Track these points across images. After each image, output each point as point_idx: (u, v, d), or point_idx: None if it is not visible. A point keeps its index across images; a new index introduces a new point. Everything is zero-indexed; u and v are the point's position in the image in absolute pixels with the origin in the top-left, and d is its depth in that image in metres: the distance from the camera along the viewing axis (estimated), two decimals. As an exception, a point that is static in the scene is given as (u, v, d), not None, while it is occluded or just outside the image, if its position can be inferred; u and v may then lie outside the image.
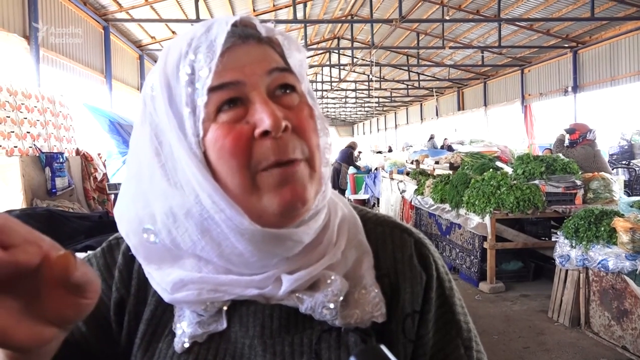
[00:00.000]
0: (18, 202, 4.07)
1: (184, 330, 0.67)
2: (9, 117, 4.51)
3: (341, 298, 0.65)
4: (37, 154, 4.54)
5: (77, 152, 5.52)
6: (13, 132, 4.54)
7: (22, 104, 4.73)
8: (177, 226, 0.63)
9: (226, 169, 0.61)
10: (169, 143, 0.63)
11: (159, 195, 0.64)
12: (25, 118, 4.75)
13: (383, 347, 0.51)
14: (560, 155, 6.09)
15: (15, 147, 4.53)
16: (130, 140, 0.70)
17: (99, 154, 5.93)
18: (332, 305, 0.64)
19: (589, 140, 6.80)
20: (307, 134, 0.64)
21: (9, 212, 3.11)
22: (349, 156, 13.22)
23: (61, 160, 4.68)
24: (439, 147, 13.80)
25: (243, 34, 0.63)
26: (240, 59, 0.62)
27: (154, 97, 0.65)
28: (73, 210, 4.17)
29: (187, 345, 0.66)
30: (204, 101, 0.61)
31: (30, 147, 4.70)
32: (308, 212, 0.65)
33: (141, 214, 0.65)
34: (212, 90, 0.60)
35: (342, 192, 12.87)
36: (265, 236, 0.61)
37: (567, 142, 7.09)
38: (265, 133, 0.60)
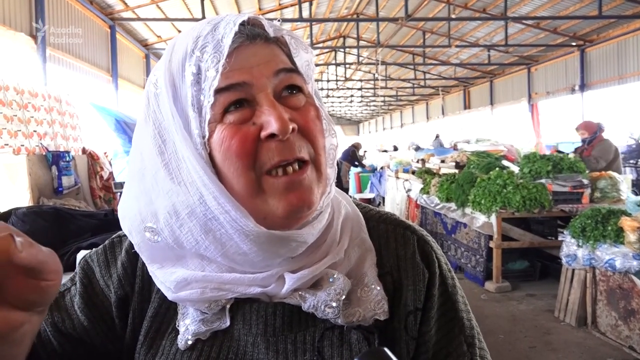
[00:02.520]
0: (25, 200, 4.08)
1: (188, 327, 0.67)
2: (15, 115, 4.53)
3: (343, 297, 0.65)
4: (44, 153, 4.55)
5: (84, 151, 5.54)
6: (20, 130, 4.56)
7: (28, 102, 4.74)
8: (180, 225, 0.63)
9: (232, 170, 0.60)
10: (173, 142, 0.63)
11: (162, 194, 0.63)
12: (32, 117, 4.77)
13: (386, 350, 0.50)
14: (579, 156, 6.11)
15: (22, 145, 4.55)
16: (133, 137, 0.70)
17: (105, 153, 5.94)
18: (334, 304, 0.64)
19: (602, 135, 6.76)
20: (312, 135, 0.64)
21: (16, 210, 3.12)
22: (351, 155, 13.25)
23: (67, 159, 4.69)
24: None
25: (250, 33, 0.63)
26: (247, 60, 0.61)
27: (157, 94, 0.64)
28: (79, 208, 4.18)
29: (190, 342, 0.67)
30: (211, 102, 0.60)
31: (37, 145, 4.71)
32: (312, 213, 0.65)
33: (144, 212, 0.65)
34: (218, 91, 0.60)
35: (345, 190, 12.85)
36: (270, 237, 0.61)
37: (580, 141, 7.02)
38: (272, 136, 0.60)
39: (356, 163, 13.64)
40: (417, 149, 11.98)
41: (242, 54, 0.61)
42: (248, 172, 0.60)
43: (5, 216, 3.05)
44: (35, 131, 4.77)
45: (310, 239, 0.65)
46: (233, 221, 0.60)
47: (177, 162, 0.63)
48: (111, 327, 0.73)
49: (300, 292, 0.65)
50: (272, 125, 0.59)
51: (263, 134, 0.60)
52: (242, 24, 0.62)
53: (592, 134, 6.74)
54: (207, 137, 0.61)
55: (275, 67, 0.63)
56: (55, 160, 4.51)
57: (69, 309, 0.74)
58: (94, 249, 0.81)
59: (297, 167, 0.62)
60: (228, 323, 0.67)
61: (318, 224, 0.66)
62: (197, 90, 0.61)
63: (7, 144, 4.36)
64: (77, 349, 0.72)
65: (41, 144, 4.76)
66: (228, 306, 0.67)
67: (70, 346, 0.72)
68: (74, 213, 3.30)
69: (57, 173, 4.50)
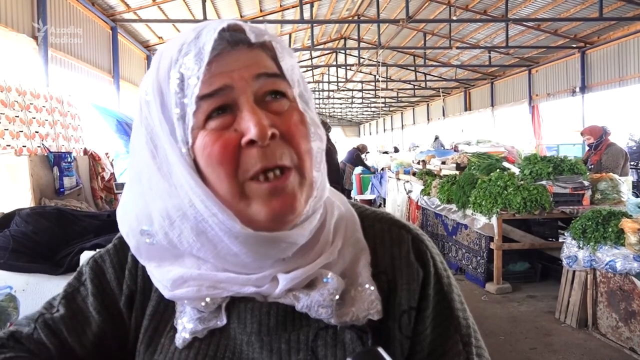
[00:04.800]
0: (26, 201, 4.08)
1: (185, 326, 0.68)
2: (17, 116, 4.53)
3: (337, 297, 0.65)
4: (46, 154, 4.55)
5: (85, 152, 5.54)
6: (22, 131, 4.57)
7: (30, 103, 4.75)
8: (172, 228, 0.64)
9: (215, 176, 0.61)
10: (163, 147, 0.64)
11: (156, 198, 0.65)
12: (34, 118, 4.77)
13: (380, 350, 0.51)
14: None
15: (23, 146, 4.56)
16: (130, 143, 0.72)
17: (106, 154, 5.95)
18: (328, 304, 0.65)
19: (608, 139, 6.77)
20: (295, 140, 0.64)
21: (19, 210, 3.13)
22: (355, 157, 13.21)
23: (69, 159, 4.69)
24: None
25: (232, 39, 0.63)
26: (228, 65, 0.62)
27: (148, 101, 0.66)
28: (81, 209, 4.18)
29: (187, 340, 0.68)
30: (193, 110, 0.61)
31: (38, 146, 4.72)
32: (300, 217, 0.65)
33: (140, 215, 0.67)
34: (201, 98, 0.61)
35: (348, 192, 12.85)
36: (258, 239, 0.62)
37: (586, 145, 7.03)
38: (252, 142, 0.60)
39: (362, 166, 13.58)
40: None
41: (224, 60, 0.62)
42: (231, 178, 0.61)
43: (9, 217, 3.06)
44: (37, 132, 4.78)
45: (301, 240, 0.65)
46: (221, 223, 0.61)
47: (168, 166, 0.64)
48: (126, 327, 0.75)
49: (294, 292, 0.66)
50: (251, 131, 0.60)
51: (243, 140, 0.61)
52: (225, 30, 0.63)
53: (598, 138, 6.72)
54: (190, 143, 0.62)
55: (257, 70, 0.63)
56: (56, 161, 4.52)
57: (84, 311, 0.75)
58: (100, 249, 0.82)
59: (278, 173, 0.62)
60: (225, 321, 0.68)
61: (308, 225, 0.66)
62: (181, 98, 0.62)
63: (9, 145, 4.37)
64: (93, 350, 0.73)
65: (43, 145, 4.76)
66: (224, 305, 0.68)
67: (93, 347, 0.73)
68: (77, 214, 3.30)
69: (58, 174, 4.50)
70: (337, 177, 8.02)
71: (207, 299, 0.67)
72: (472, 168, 6.60)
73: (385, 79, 20.04)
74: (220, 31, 0.62)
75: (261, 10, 12.46)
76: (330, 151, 7.19)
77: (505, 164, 6.46)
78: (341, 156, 12.74)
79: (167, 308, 0.72)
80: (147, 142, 0.66)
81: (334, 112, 35.37)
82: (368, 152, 15.90)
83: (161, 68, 0.64)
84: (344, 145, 19.57)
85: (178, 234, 0.64)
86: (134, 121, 0.69)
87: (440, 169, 7.76)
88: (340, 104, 29.47)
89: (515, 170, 6.09)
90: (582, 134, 7.07)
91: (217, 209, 0.61)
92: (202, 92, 0.61)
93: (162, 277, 0.68)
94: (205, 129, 0.62)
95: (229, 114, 0.62)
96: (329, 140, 7.18)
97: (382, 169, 12.15)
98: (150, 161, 0.65)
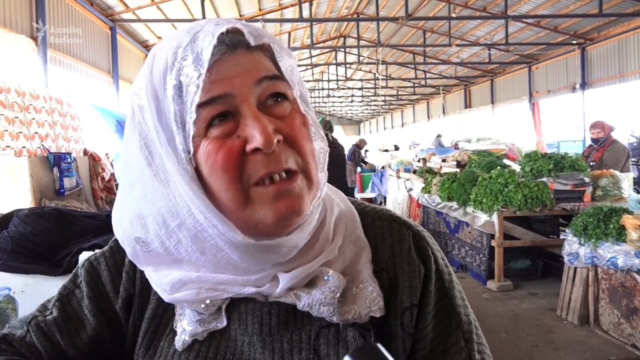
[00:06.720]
0: (27, 202, 4.08)
1: (185, 328, 0.67)
2: (17, 117, 4.53)
3: (338, 295, 0.65)
4: (45, 154, 4.55)
5: (85, 152, 5.54)
6: (21, 132, 4.56)
7: (30, 104, 4.74)
8: (169, 236, 0.63)
9: (219, 184, 0.60)
10: (159, 154, 0.63)
11: (151, 205, 0.64)
12: (34, 118, 4.77)
13: (379, 346, 0.50)
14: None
15: (23, 147, 4.55)
16: (122, 148, 0.70)
17: (106, 154, 5.94)
18: (329, 302, 0.64)
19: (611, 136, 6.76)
20: (299, 143, 0.63)
21: (18, 211, 3.12)
22: (352, 153, 13.25)
23: (69, 160, 4.68)
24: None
25: (231, 42, 0.61)
26: (228, 70, 0.60)
27: (141, 106, 0.64)
28: (81, 210, 4.18)
29: (187, 343, 0.67)
30: (193, 118, 0.59)
31: (38, 147, 4.71)
32: (302, 219, 0.65)
33: (134, 222, 0.66)
34: (201, 106, 0.59)
35: (352, 190, 12.86)
36: (260, 247, 0.62)
37: (589, 140, 7.01)
38: (257, 149, 0.59)
39: (361, 162, 13.60)
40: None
41: (223, 65, 0.60)
42: (235, 185, 0.60)
43: (8, 218, 3.05)
44: (36, 133, 4.77)
45: (301, 242, 0.65)
46: (221, 234, 0.60)
47: (165, 174, 0.63)
48: (120, 329, 0.74)
49: (295, 291, 0.65)
50: (256, 139, 0.59)
51: (248, 147, 0.59)
52: (224, 34, 0.61)
53: (607, 133, 6.71)
54: (192, 152, 0.61)
55: (258, 75, 0.62)
56: (56, 161, 4.51)
57: (79, 314, 0.75)
58: (97, 250, 0.81)
59: (284, 175, 0.61)
60: (225, 323, 0.67)
61: (308, 226, 0.66)
62: (180, 105, 0.60)
63: (9, 146, 4.36)
64: (90, 352, 0.73)
65: (42, 145, 4.76)
66: (224, 306, 0.68)
67: (87, 349, 0.73)
68: (76, 214, 3.29)
69: (58, 174, 4.50)
70: (344, 176, 7.94)
71: (207, 301, 0.66)
72: (473, 165, 6.59)
73: (385, 77, 20.00)
74: (218, 35, 0.60)
75: (260, 9, 12.45)
76: (339, 150, 7.15)
77: (506, 161, 6.45)
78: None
79: (167, 311, 0.71)
80: (141, 148, 0.64)
81: (333, 110, 35.36)
82: (367, 150, 15.91)
83: (155, 71, 0.62)
84: (344, 144, 19.53)
85: (175, 242, 0.63)
86: (126, 125, 0.68)
87: (441, 167, 7.75)
88: (340, 102, 29.47)
89: (516, 167, 6.07)
90: (593, 126, 6.95)
91: (217, 220, 0.60)
92: (202, 100, 0.59)
93: (161, 281, 0.68)
94: (208, 137, 0.60)
95: (230, 120, 0.61)
96: (335, 139, 7.17)
97: (383, 167, 12.14)
98: (146, 168, 0.63)
